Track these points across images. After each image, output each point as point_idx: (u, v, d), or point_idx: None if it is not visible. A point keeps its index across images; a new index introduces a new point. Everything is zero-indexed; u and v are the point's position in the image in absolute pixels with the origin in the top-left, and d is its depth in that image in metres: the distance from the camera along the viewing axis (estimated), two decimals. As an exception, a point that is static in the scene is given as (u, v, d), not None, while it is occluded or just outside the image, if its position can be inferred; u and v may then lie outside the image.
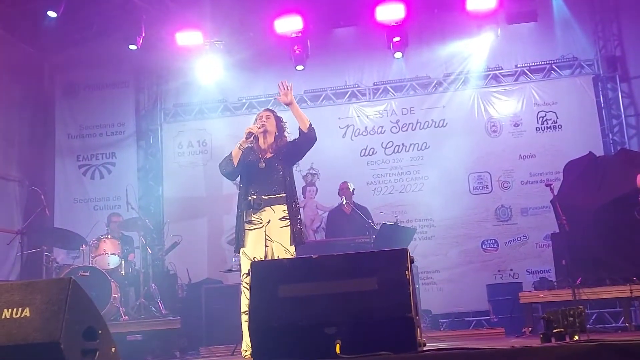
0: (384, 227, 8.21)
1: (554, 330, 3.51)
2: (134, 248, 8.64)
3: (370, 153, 10.30)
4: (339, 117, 10.46)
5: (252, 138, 5.37)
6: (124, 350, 6.60)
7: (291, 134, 5.53)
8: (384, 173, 10.22)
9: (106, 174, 10.65)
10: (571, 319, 3.49)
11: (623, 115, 9.76)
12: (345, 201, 8.48)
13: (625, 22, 9.99)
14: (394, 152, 10.25)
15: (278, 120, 5.55)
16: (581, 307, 3.61)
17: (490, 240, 9.75)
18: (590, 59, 10.02)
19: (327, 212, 9.42)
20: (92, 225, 8.87)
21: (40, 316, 3.32)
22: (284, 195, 5.30)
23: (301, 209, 9.92)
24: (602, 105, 9.86)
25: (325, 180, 10.23)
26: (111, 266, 7.85)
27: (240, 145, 5.35)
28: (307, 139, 5.36)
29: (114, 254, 7.91)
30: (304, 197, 10.28)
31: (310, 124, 5.35)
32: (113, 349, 3.61)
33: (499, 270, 9.58)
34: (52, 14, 8.90)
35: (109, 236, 8.10)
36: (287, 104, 5.45)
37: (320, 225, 10.14)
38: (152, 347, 7.70)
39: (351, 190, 8.65)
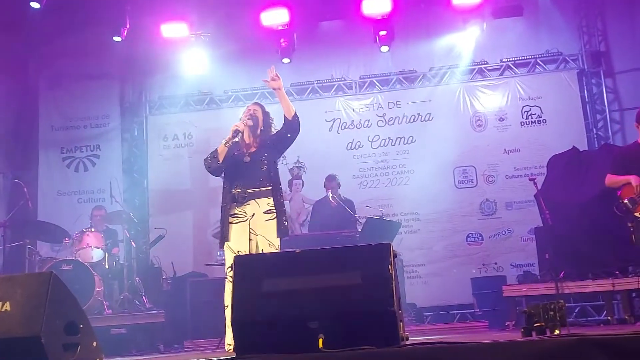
0: (369, 221, 8.23)
1: (535, 325, 3.53)
2: (118, 241, 8.60)
3: (357, 147, 10.30)
4: (326, 110, 10.45)
5: (238, 135, 5.36)
6: (108, 344, 6.62)
7: (277, 129, 5.52)
8: (370, 167, 10.23)
9: (90, 167, 10.56)
10: (552, 313, 3.51)
11: (607, 111, 9.82)
12: (331, 195, 8.48)
13: (609, 17, 10.04)
14: (380, 145, 10.26)
15: (266, 115, 5.54)
16: (562, 301, 3.63)
17: (475, 234, 9.79)
18: (575, 54, 10.07)
19: (313, 204, 9.42)
20: (76, 218, 8.81)
21: (20, 310, 3.31)
22: (269, 188, 5.30)
23: (287, 202, 9.99)
24: (587, 100, 9.92)
25: (311, 174, 10.22)
26: (95, 259, 7.80)
27: (227, 142, 5.33)
28: (291, 127, 5.35)
29: (97, 248, 7.87)
30: (290, 191, 10.28)
31: (295, 113, 5.36)
32: (95, 343, 3.60)
33: (483, 264, 9.63)
34: (35, 5, 8.79)
35: (93, 229, 8.04)
36: (275, 88, 5.43)
37: (306, 218, 10.13)
38: (137, 341, 7.69)
39: (338, 183, 8.66)
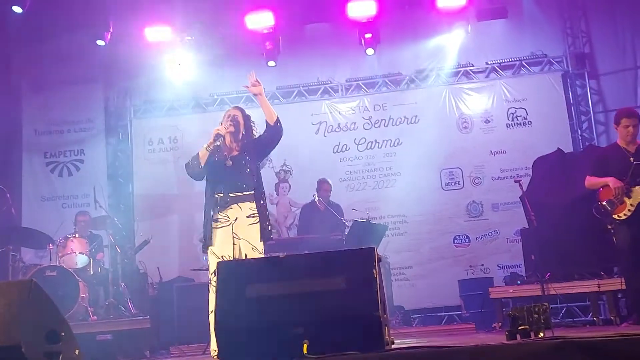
0: (356, 224, 8.22)
1: (519, 328, 3.53)
2: (103, 247, 8.53)
3: (343, 149, 10.30)
4: (312, 113, 10.45)
5: (220, 139, 5.33)
6: (94, 350, 6.57)
7: (259, 132, 5.50)
8: (357, 169, 10.23)
9: (74, 171, 10.48)
10: (536, 315, 3.51)
11: (592, 112, 9.90)
12: (317, 198, 8.47)
13: (593, 19, 10.11)
14: (366, 148, 10.27)
15: (246, 118, 5.51)
16: (546, 303, 3.63)
17: (462, 235, 9.82)
18: (559, 56, 10.13)
19: (301, 208, 9.40)
20: (60, 223, 8.74)
21: (0, 319, 3.26)
22: (251, 192, 5.27)
23: (274, 206, 9.98)
24: (571, 101, 9.99)
25: (298, 177, 10.22)
26: (79, 265, 7.73)
27: (208, 146, 5.30)
28: (274, 132, 5.33)
29: (81, 253, 7.80)
30: (277, 194, 10.26)
31: (278, 118, 5.33)
32: (77, 351, 3.56)
33: (470, 266, 9.65)
34: (17, 9, 8.72)
35: (77, 235, 7.97)
36: (255, 94, 5.41)
37: (293, 222, 10.12)
38: (122, 347, 7.60)
39: (329, 188, 8.71)
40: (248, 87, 5.44)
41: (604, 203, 5.91)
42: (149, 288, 8.79)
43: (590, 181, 6.13)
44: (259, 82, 5.40)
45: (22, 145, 10.51)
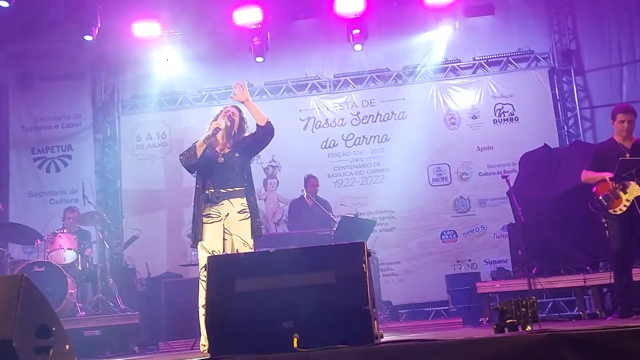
0: (344, 219, 8.25)
1: (507, 321, 3.57)
2: (91, 242, 8.53)
3: (331, 145, 10.32)
4: (300, 109, 10.46)
5: (218, 132, 5.32)
6: (82, 346, 6.56)
7: (251, 132, 5.51)
8: (345, 165, 10.26)
9: (62, 167, 10.45)
10: (524, 309, 3.56)
11: (578, 108, 9.97)
12: (306, 193, 8.50)
13: (580, 16, 10.18)
14: (354, 144, 10.30)
15: (242, 120, 5.51)
16: (533, 297, 3.68)
17: (449, 231, 9.87)
18: (546, 52, 10.20)
19: (289, 203, 9.42)
20: (48, 219, 8.70)
21: (-9, 314, 3.25)
22: (242, 188, 5.28)
23: (262, 202, 9.99)
24: (558, 98, 10.06)
25: (286, 173, 10.23)
26: (67, 261, 7.71)
27: (206, 138, 5.29)
28: (265, 132, 5.33)
29: (70, 249, 7.78)
30: (265, 190, 10.27)
31: (268, 121, 5.33)
32: (67, 346, 3.56)
33: (457, 261, 9.71)
34: (4, 3, 8.63)
35: (65, 231, 7.95)
36: (243, 102, 5.41)
37: (281, 217, 10.14)
38: (111, 343, 7.62)
39: (318, 185, 8.76)
40: (234, 97, 5.42)
41: (600, 198, 5.96)
42: (137, 284, 8.78)
43: (587, 175, 6.18)
44: (244, 88, 5.38)
45: (9, 141, 10.46)
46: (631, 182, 5.84)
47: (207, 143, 5.30)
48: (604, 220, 6.11)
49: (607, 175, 5.92)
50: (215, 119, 5.43)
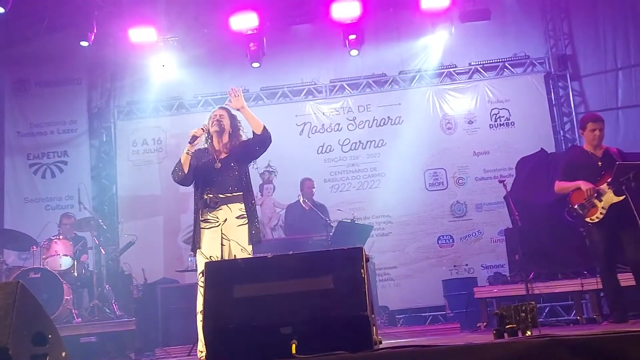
0: (341, 224, 8.25)
1: (507, 326, 3.56)
2: (87, 249, 8.50)
3: (327, 150, 10.31)
4: (296, 114, 10.45)
5: (197, 141, 5.29)
6: (78, 352, 6.54)
7: (246, 132, 5.50)
8: (341, 170, 10.25)
9: (58, 173, 10.41)
10: (523, 314, 3.54)
11: (574, 113, 9.99)
12: (302, 199, 8.50)
13: (575, 21, 10.22)
14: (350, 149, 10.29)
15: (232, 118, 5.49)
16: (533, 302, 3.67)
17: (446, 235, 9.86)
18: (542, 57, 10.22)
19: (285, 208, 9.41)
20: (43, 225, 8.67)
21: (-13, 321, 3.23)
22: (241, 194, 5.27)
23: (258, 207, 9.96)
24: (554, 102, 10.09)
25: (282, 178, 10.21)
26: (63, 267, 7.68)
27: (188, 150, 5.27)
28: (262, 139, 5.32)
29: (66, 255, 7.75)
30: (262, 195, 10.25)
31: (265, 127, 5.31)
32: (64, 354, 3.54)
33: (454, 266, 9.70)
34: (-1, 9, 8.61)
35: (61, 237, 7.92)
36: (239, 109, 5.40)
37: (277, 223, 10.13)
38: (107, 349, 7.59)
39: (314, 187, 8.78)
40: (229, 104, 5.40)
41: (576, 207, 5.95)
42: (133, 290, 8.75)
43: (560, 186, 6.16)
44: (237, 94, 5.36)
45: (4, 147, 10.43)
46: (606, 190, 5.83)
47: (191, 154, 5.27)
48: (581, 229, 6.12)
49: (583, 183, 5.90)
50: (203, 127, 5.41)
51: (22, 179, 10.37)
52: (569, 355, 2.78)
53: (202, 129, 5.35)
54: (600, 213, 5.83)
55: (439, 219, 9.91)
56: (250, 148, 5.40)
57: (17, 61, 10.45)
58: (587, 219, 5.89)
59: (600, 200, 5.84)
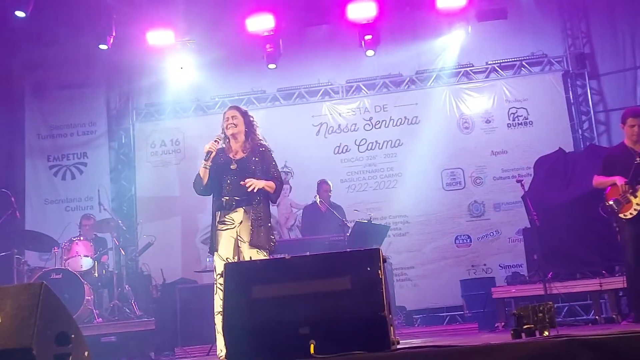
0: (358, 225, 8.25)
1: (525, 326, 3.56)
2: (107, 249, 8.58)
3: (344, 150, 10.33)
4: (312, 115, 10.47)
5: (212, 155, 5.28)
6: (99, 352, 6.59)
7: (260, 128, 5.53)
8: (358, 170, 10.26)
9: (78, 175, 10.52)
10: (541, 314, 3.54)
11: (592, 112, 9.92)
12: (319, 199, 8.52)
13: (593, 19, 10.15)
14: (367, 149, 10.30)
15: (245, 116, 5.47)
16: (550, 302, 3.66)
17: (464, 235, 9.84)
18: (560, 56, 10.16)
19: (302, 209, 9.44)
20: (64, 227, 8.77)
21: (11, 322, 3.28)
22: (257, 196, 5.25)
23: (275, 207, 10.00)
24: (572, 101, 10.02)
25: (299, 179, 10.23)
26: (84, 268, 7.77)
27: (205, 165, 5.28)
28: (276, 195, 5.40)
29: (86, 256, 7.85)
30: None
31: (276, 187, 5.31)
32: (86, 353, 3.58)
33: (472, 266, 9.68)
34: (20, 14, 8.71)
35: (82, 238, 8.03)
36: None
37: (294, 223, 10.16)
38: (127, 349, 7.67)
39: (330, 190, 8.79)
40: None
41: (611, 202, 5.94)
42: (152, 290, 8.83)
43: (598, 180, 6.19)
44: (251, 183, 5.19)
45: (25, 149, 10.56)
46: None
47: (208, 167, 5.27)
48: (615, 225, 6.11)
49: (618, 179, 5.89)
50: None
51: (43, 180, 10.50)
52: (587, 356, 2.78)
53: (215, 141, 5.34)
54: (634, 209, 5.82)
55: (457, 218, 9.89)
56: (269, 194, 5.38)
57: (37, 64, 10.57)
58: (621, 215, 5.89)
59: (636, 197, 5.82)
